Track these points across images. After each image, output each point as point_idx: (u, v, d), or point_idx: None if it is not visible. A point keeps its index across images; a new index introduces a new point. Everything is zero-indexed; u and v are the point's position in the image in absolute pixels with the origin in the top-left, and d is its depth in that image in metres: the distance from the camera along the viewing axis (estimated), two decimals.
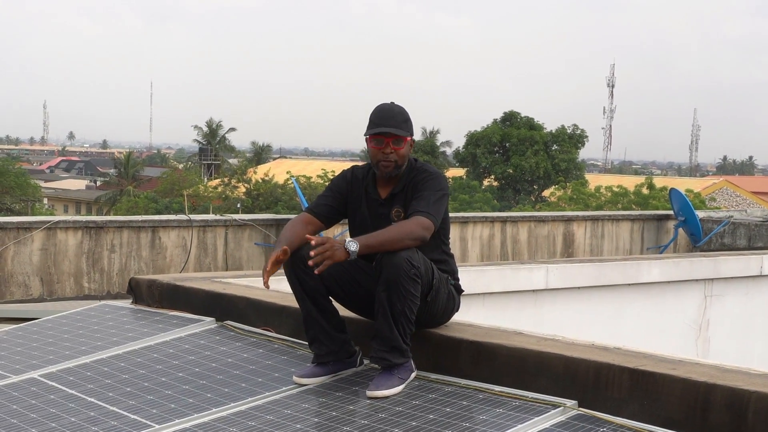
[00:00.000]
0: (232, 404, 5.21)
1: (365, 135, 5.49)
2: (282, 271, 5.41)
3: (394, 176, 5.49)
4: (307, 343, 5.61)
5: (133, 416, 5.16)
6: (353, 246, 5.04)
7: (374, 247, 5.10)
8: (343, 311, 5.58)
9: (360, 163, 5.70)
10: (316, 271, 5.02)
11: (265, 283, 5.27)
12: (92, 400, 5.48)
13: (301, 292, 5.36)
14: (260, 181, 40.33)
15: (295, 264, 5.31)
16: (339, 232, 12.81)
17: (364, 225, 5.51)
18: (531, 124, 59.15)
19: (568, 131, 59.01)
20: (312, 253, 5.02)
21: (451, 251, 5.75)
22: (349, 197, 5.62)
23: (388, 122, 5.41)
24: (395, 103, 5.58)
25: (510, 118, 59.99)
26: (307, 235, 5.17)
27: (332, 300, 5.48)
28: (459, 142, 64.02)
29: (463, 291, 5.75)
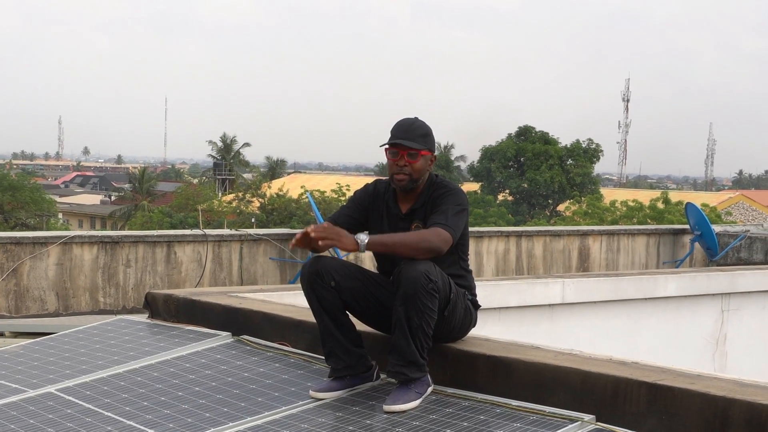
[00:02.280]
0: (249, 418, 5.20)
1: (381, 146, 5.51)
2: (298, 285, 5.41)
3: (411, 190, 5.49)
4: (323, 357, 5.60)
5: (149, 430, 5.15)
6: (363, 238, 5.05)
7: (387, 245, 5.12)
8: (360, 326, 5.58)
9: (381, 178, 5.71)
10: (320, 243, 5.03)
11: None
12: (109, 414, 5.47)
13: (318, 306, 5.36)
14: (275, 195, 40.36)
15: (312, 279, 5.31)
16: None
17: None
18: (546, 139, 59.13)
19: (583, 145, 58.97)
20: (312, 227, 5.06)
21: (470, 267, 5.75)
22: (371, 210, 5.63)
23: (405, 135, 5.43)
24: (419, 118, 5.59)
25: (525, 132, 59.99)
26: (307, 228, 5.14)
27: (349, 314, 5.47)
28: (474, 156, 64.13)
29: (480, 306, 5.74)
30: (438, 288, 5.16)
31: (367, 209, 5.63)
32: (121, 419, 5.37)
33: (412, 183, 5.46)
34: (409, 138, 5.42)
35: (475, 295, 5.68)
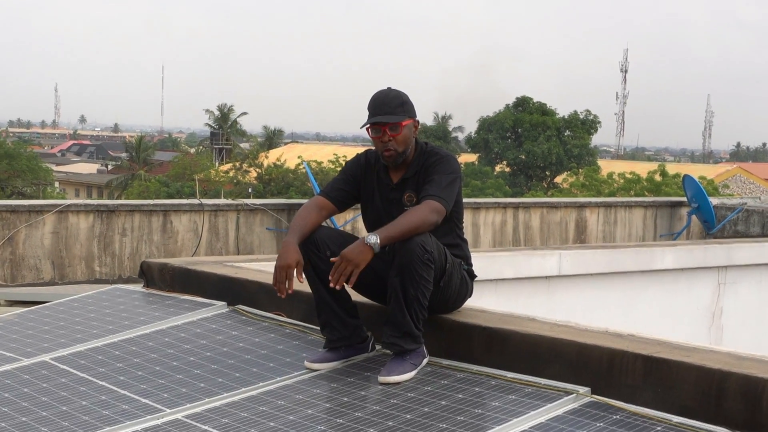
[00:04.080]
0: (244, 389, 5.19)
1: (361, 127, 5.48)
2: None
3: (401, 162, 5.45)
4: (318, 328, 5.59)
5: (144, 400, 5.15)
6: (373, 239, 5.01)
7: (396, 238, 5.06)
8: (356, 296, 5.56)
9: (372, 148, 5.66)
10: (349, 284, 5.07)
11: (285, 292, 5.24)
12: (103, 383, 5.46)
13: (314, 276, 5.34)
14: (272, 165, 40.28)
15: (308, 249, 5.28)
16: (350, 217, 12.79)
17: (376, 210, 5.50)
18: (543, 110, 58.94)
19: (581, 117, 58.82)
20: (332, 276, 5.03)
21: (465, 236, 5.72)
22: (363, 182, 5.59)
23: (381, 109, 5.38)
24: (392, 87, 5.52)
25: (522, 103, 59.78)
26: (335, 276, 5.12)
27: (345, 285, 5.45)
28: (471, 127, 64.01)
29: (476, 276, 5.72)
30: (434, 258, 5.13)
31: (359, 181, 5.60)
32: (116, 388, 5.36)
33: (401, 156, 5.42)
34: (387, 112, 5.36)
35: (471, 265, 5.66)
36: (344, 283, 5.19)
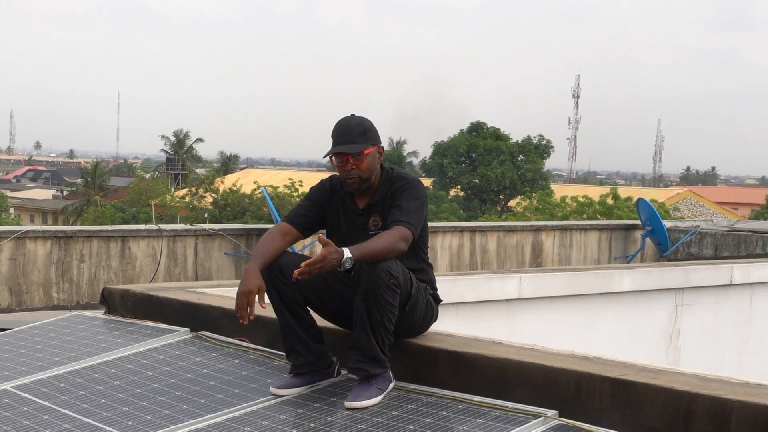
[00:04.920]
0: (209, 416, 5.15)
1: (324, 156, 5.47)
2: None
3: (366, 188, 5.45)
4: (283, 353, 5.56)
5: (108, 428, 5.09)
6: (347, 254, 4.98)
7: (366, 258, 5.04)
8: (321, 321, 5.54)
9: (336, 174, 5.64)
10: (304, 277, 4.98)
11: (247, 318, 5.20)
12: (66, 412, 5.40)
13: (279, 302, 5.31)
14: (228, 191, 40.20)
15: (273, 274, 5.27)
16: (309, 242, 12.76)
17: (342, 236, 5.47)
18: (497, 135, 59.35)
19: (534, 141, 59.27)
20: (303, 266, 4.98)
21: (430, 260, 5.73)
22: (328, 207, 5.58)
23: (344, 138, 5.37)
24: (355, 114, 5.52)
25: (476, 128, 60.19)
26: (302, 265, 5.06)
27: (310, 310, 5.44)
28: (426, 152, 64.22)
29: (441, 301, 5.73)
30: (399, 283, 5.13)
31: (323, 207, 5.59)
32: (79, 417, 5.30)
33: (364, 183, 5.42)
34: (349, 141, 5.35)
35: (435, 290, 5.67)
36: (308, 308, 5.24)
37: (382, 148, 5.58)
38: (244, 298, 5.15)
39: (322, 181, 5.74)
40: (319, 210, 5.58)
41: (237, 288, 5.25)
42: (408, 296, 5.28)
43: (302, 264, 4.95)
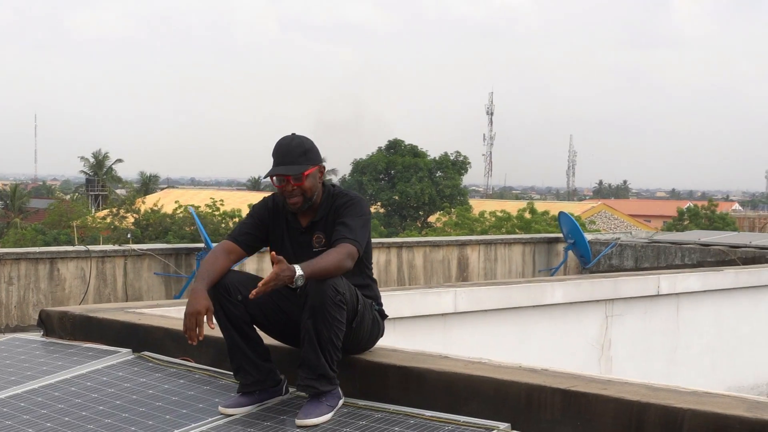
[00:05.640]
0: None
1: (264, 177, 5.46)
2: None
3: (308, 207, 5.45)
4: (229, 372, 5.53)
5: None
6: (299, 272, 4.96)
7: (315, 275, 5.03)
8: (267, 339, 5.51)
9: (275, 193, 5.62)
10: (256, 295, 4.96)
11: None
12: None
13: (226, 321, 5.28)
14: (149, 211, 39.83)
15: (218, 293, 5.24)
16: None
17: (286, 254, 5.44)
18: (415, 152, 59.62)
19: (451, 158, 59.63)
20: (259, 286, 4.96)
21: (374, 276, 5.74)
22: (271, 225, 5.57)
23: (285, 159, 5.36)
24: (296, 134, 5.51)
25: (394, 146, 60.40)
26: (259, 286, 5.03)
27: (256, 328, 5.41)
28: (345, 170, 64.24)
29: (387, 316, 5.75)
30: (346, 300, 5.13)
31: (267, 225, 5.58)
32: None
33: (307, 203, 5.42)
34: (290, 162, 5.35)
35: (381, 305, 5.68)
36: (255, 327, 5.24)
37: (323, 167, 5.58)
38: (193, 318, 5.11)
39: (264, 199, 5.72)
40: (263, 228, 5.57)
41: (179, 308, 5.21)
42: (355, 312, 5.28)
43: (259, 284, 4.93)
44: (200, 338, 5.14)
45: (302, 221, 5.50)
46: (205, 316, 5.12)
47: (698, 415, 4.32)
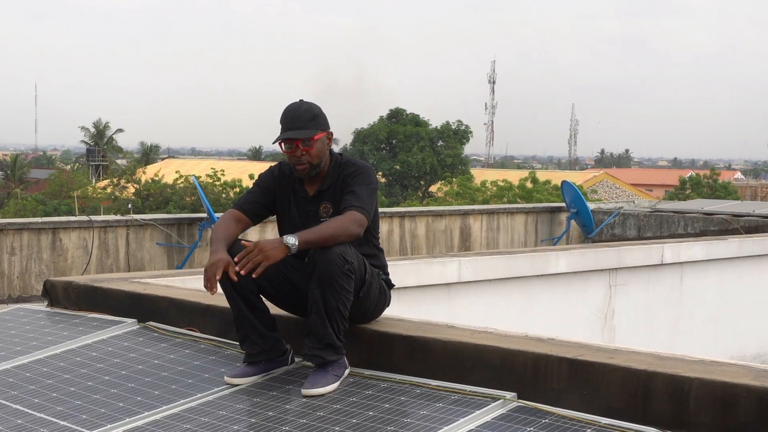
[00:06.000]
0: (165, 407, 5.09)
1: (273, 142, 5.43)
2: (201, 270, 5.29)
3: (315, 174, 5.43)
4: (234, 342, 5.53)
5: (62, 422, 5.01)
6: (292, 240, 4.97)
7: (313, 243, 5.03)
8: (274, 309, 5.50)
9: (283, 161, 5.59)
10: (253, 275, 4.94)
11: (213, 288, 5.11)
12: (17, 407, 5.29)
13: (232, 290, 5.25)
14: (150, 181, 39.83)
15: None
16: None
17: (293, 223, 5.44)
18: (416, 121, 59.50)
19: (453, 127, 59.50)
20: (237, 259, 4.94)
21: (381, 246, 5.73)
22: (278, 194, 5.54)
23: (293, 124, 5.34)
24: (304, 100, 5.49)
25: (396, 115, 60.27)
26: (243, 241, 5.05)
27: (262, 298, 5.40)
28: (346, 139, 64.16)
29: (393, 285, 5.74)
30: (354, 269, 5.12)
31: (273, 193, 5.55)
32: (32, 412, 5.20)
33: (315, 169, 5.39)
34: (299, 126, 5.32)
35: (388, 274, 5.67)
36: (261, 296, 5.18)
37: (332, 133, 5.55)
38: (213, 268, 5.00)
39: (270, 167, 5.70)
40: (269, 197, 5.55)
41: (184, 278, 5.22)
42: (362, 282, 5.27)
43: (236, 259, 4.92)
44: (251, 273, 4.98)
45: (309, 190, 5.48)
46: (227, 271, 5.04)
47: (705, 383, 4.31)
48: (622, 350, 4.93)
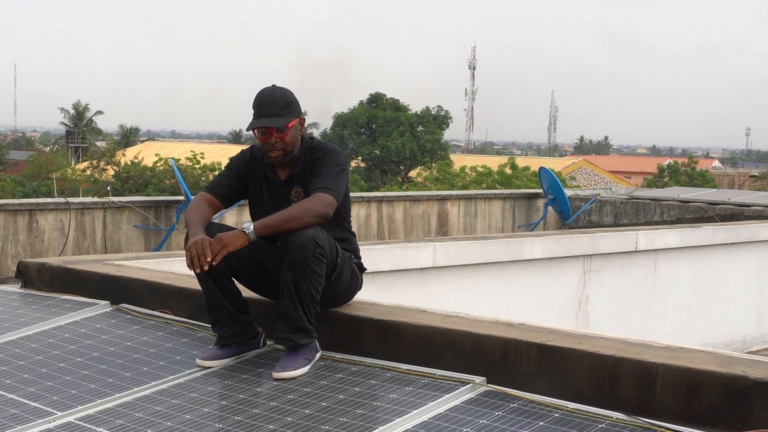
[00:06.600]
0: (136, 389, 5.10)
1: (247, 129, 5.42)
2: (175, 252, 5.30)
3: (289, 160, 5.44)
4: (207, 324, 5.54)
5: (33, 404, 5.01)
6: (247, 225, 4.99)
7: (274, 226, 5.04)
8: (246, 292, 5.52)
9: (255, 145, 5.59)
10: (213, 263, 4.96)
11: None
12: None
13: (204, 273, 5.25)
14: (129, 163, 39.71)
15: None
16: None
17: (264, 207, 5.45)
18: (396, 106, 59.41)
19: (433, 113, 59.48)
20: (189, 262, 4.98)
21: (353, 229, 5.75)
22: (249, 178, 5.55)
23: (267, 111, 5.32)
24: (276, 85, 5.48)
25: (376, 99, 60.16)
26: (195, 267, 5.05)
27: (234, 281, 5.41)
28: (326, 123, 64.08)
29: (365, 269, 5.76)
30: (325, 252, 5.14)
31: (245, 177, 5.55)
32: (2, 393, 5.20)
33: (288, 155, 5.39)
34: (272, 113, 5.31)
35: (360, 258, 5.69)
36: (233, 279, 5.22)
37: (304, 119, 5.56)
38: (198, 245, 4.99)
39: (242, 151, 5.70)
40: (241, 180, 5.55)
41: (158, 260, 5.22)
42: (334, 265, 5.29)
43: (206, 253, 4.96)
44: (211, 262, 5.00)
45: (281, 174, 5.48)
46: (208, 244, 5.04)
47: (671, 369, 4.36)
48: (591, 336, 4.97)
